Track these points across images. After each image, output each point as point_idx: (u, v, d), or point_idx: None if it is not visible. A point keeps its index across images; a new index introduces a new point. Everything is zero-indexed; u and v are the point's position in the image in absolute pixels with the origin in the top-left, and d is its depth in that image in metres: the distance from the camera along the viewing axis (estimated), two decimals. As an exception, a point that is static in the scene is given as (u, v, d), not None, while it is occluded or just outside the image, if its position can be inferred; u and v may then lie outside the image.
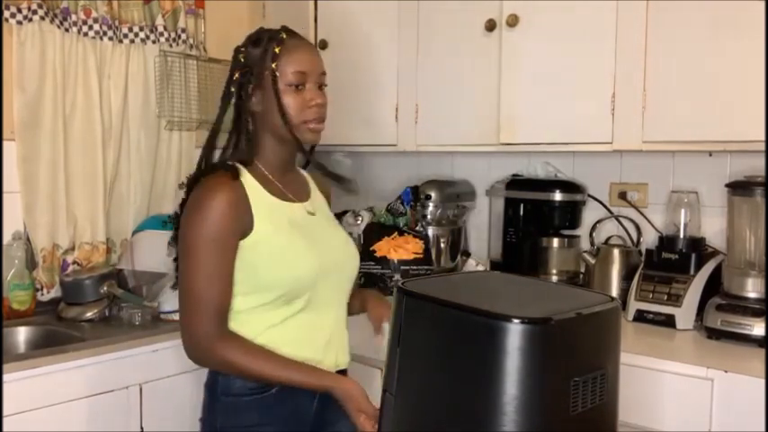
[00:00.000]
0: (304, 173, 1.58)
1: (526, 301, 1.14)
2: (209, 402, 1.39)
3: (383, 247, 2.30)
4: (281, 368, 1.32)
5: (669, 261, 1.96)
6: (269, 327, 1.36)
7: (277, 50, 1.35)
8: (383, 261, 2.29)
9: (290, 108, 1.35)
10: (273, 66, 1.35)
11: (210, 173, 1.35)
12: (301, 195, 1.48)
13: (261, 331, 1.36)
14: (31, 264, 2.16)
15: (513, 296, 1.19)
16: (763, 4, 1.65)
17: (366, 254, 2.28)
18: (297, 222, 1.40)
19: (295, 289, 1.36)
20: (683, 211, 2.03)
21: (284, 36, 1.38)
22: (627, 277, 2.08)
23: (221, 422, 1.37)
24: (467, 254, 2.57)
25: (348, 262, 1.49)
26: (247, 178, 1.36)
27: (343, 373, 1.45)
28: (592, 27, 1.95)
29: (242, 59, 1.40)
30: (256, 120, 1.40)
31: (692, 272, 1.92)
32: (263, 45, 1.37)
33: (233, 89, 1.40)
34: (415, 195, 2.48)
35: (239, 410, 1.35)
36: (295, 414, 1.38)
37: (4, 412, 1.55)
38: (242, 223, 1.32)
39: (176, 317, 2.02)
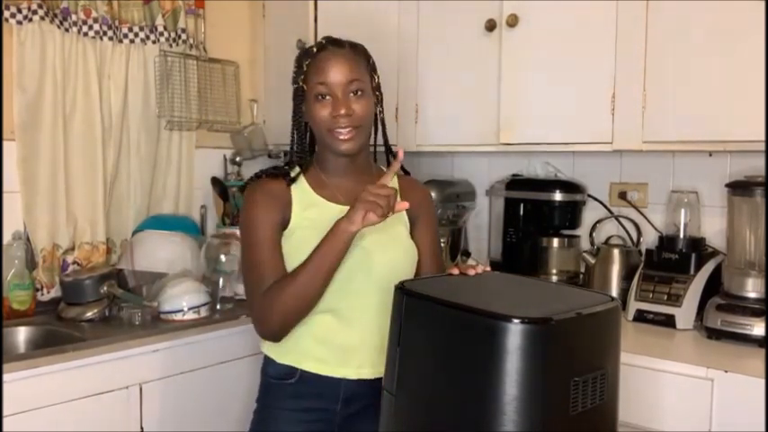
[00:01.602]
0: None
1: (526, 301, 1.14)
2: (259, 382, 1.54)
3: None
4: (303, 269, 1.35)
5: (669, 261, 1.96)
6: None
7: (305, 65, 1.44)
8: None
9: (316, 118, 1.42)
10: (303, 80, 1.45)
11: (263, 176, 1.48)
12: None
13: None
14: (31, 264, 2.16)
15: (513, 296, 1.19)
16: (762, 5, 1.65)
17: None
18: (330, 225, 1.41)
19: None
20: (683, 211, 2.03)
21: (315, 50, 1.45)
22: (627, 277, 2.08)
23: (258, 397, 1.53)
24: (467, 254, 2.57)
25: (389, 274, 1.38)
26: (299, 179, 1.47)
27: (376, 384, 1.31)
28: (592, 27, 1.95)
29: (294, 75, 1.49)
30: (310, 130, 1.50)
31: (692, 272, 1.92)
32: (302, 61, 1.46)
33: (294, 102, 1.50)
34: (416, 195, 2.48)
35: (270, 390, 1.49)
36: (317, 410, 1.45)
37: (4, 412, 1.55)
38: (281, 215, 1.43)
39: (176, 317, 2.04)
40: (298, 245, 1.41)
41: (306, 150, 1.51)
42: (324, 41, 1.47)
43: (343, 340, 1.42)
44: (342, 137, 1.41)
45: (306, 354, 1.43)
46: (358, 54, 1.46)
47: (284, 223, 1.43)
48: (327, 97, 1.41)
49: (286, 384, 1.45)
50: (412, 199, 1.52)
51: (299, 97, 1.46)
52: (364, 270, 1.41)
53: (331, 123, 1.41)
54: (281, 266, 1.41)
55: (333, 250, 1.33)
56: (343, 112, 1.39)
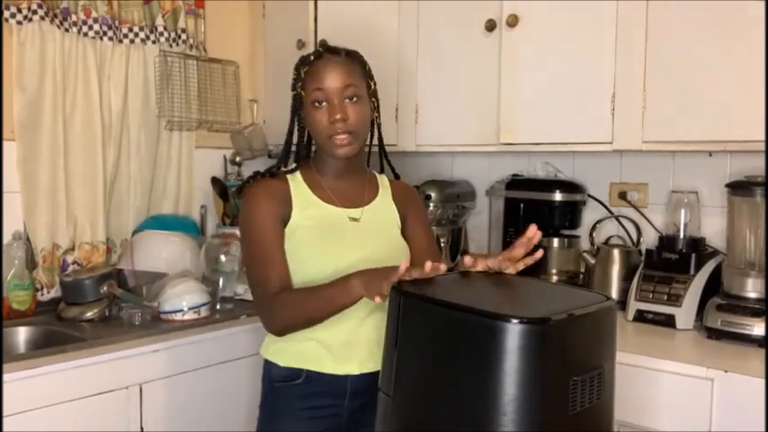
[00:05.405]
0: (383, 180, 1.63)
1: (524, 302, 1.14)
2: (261, 388, 1.56)
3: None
4: (313, 299, 1.39)
5: (669, 261, 1.96)
6: None
7: (303, 72, 1.48)
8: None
9: (315, 125, 1.46)
10: (301, 87, 1.48)
11: (266, 175, 1.52)
12: (353, 202, 1.53)
13: None
14: (31, 264, 2.16)
15: (510, 296, 1.19)
16: (762, 4, 1.65)
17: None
18: (329, 225, 1.49)
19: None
20: (683, 211, 2.03)
21: (312, 57, 1.48)
22: (627, 277, 2.08)
23: (262, 402, 1.54)
24: (467, 254, 2.57)
25: None
26: (297, 179, 1.52)
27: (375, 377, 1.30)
28: (592, 27, 1.95)
29: (292, 82, 1.51)
30: (308, 133, 1.53)
31: (692, 272, 1.92)
32: (300, 69, 1.49)
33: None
34: (415, 195, 2.48)
35: (275, 393, 1.50)
36: (326, 407, 1.47)
37: (4, 412, 1.55)
38: (282, 210, 1.47)
39: (176, 317, 2.03)
40: (299, 244, 1.46)
41: (305, 154, 1.56)
42: (320, 49, 1.50)
43: (341, 336, 1.45)
44: (339, 141, 1.44)
45: (308, 355, 1.46)
46: (353, 60, 1.49)
47: (285, 220, 1.47)
48: (324, 103, 1.44)
49: (293, 386, 1.47)
50: (400, 198, 1.62)
51: (298, 104, 1.50)
52: (351, 267, 1.39)
53: (329, 130, 1.44)
54: (285, 263, 1.45)
55: (340, 303, 1.35)
56: (338, 116, 1.42)
